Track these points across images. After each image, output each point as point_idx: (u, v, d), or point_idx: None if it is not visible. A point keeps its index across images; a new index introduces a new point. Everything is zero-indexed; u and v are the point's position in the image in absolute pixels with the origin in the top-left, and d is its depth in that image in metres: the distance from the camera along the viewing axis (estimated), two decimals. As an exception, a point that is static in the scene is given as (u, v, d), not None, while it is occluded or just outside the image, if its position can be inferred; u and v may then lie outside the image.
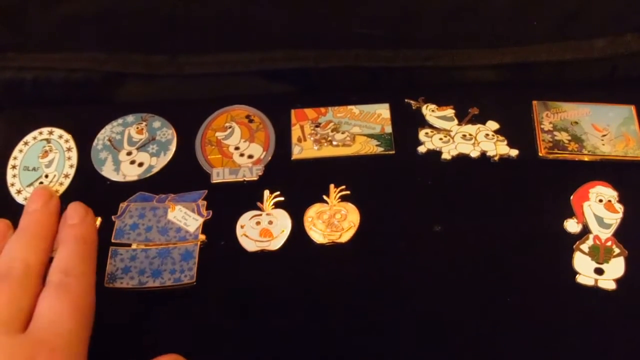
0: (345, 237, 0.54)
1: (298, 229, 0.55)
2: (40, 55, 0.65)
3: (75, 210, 0.54)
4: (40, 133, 0.62)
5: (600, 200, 0.55)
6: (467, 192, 0.57)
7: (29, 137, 0.62)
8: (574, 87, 0.64)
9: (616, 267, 0.51)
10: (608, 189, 0.55)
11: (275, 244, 0.54)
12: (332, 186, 0.57)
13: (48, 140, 0.61)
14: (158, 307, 0.52)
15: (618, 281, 0.51)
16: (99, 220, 0.55)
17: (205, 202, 0.56)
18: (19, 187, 0.59)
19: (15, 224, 0.54)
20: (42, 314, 0.46)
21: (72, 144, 0.61)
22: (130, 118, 0.63)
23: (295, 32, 0.66)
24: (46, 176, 0.59)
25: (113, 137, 0.62)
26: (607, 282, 0.51)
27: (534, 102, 0.61)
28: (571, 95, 0.62)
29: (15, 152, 0.61)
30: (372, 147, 0.60)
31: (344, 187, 0.57)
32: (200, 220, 0.55)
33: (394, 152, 0.59)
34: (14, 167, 0.60)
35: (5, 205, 0.58)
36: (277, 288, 0.52)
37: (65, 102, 0.66)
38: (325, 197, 0.57)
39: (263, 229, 0.55)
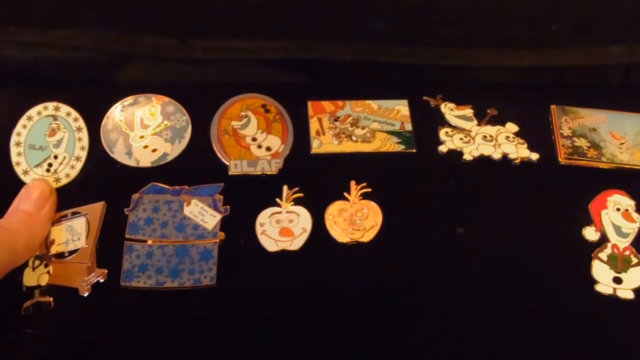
0: (368, 237, 0.53)
1: (318, 227, 0.53)
2: (44, 31, 0.61)
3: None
4: (45, 108, 0.57)
5: (618, 209, 0.55)
6: (489, 195, 0.56)
7: (32, 112, 0.56)
8: (588, 92, 0.64)
9: (634, 277, 0.52)
10: (625, 198, 0.56)
11: (297, 243, 0.52)
12: (353, 183, 0.55)
13: (55, 117, 0.56)
14: (174, 307, 0.49)
15: (636, 291, 0.51)
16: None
17: (222, 197, 0.53)
18: (26, 167, 0.54)
19: None
20: None
21: (81, 123, 0.56)
22: (141, 98, 0.59)
23: (310, 23, 0.64)
24: (55, 157, 0.55)
25: (124, 118, 0.58)
26: (626, 292, 0.51)
27: (552, 107, 0.61)
28: (586, 100, 0.62)
29: (19, 128, 0.56)
30: (392, 145, 0.58)
31: (364, 184, 0.55)
32: (219, 217, 0.52)
33: (415, 150, 0.58)
34: (18, 144, 0.55)
35: (10, 185, 0.54)
36: (299, 289, 0.50)
37: (68, 81, 0.62)
38: (346, 194, 0.55)
39: (283, 227, 0.52)
